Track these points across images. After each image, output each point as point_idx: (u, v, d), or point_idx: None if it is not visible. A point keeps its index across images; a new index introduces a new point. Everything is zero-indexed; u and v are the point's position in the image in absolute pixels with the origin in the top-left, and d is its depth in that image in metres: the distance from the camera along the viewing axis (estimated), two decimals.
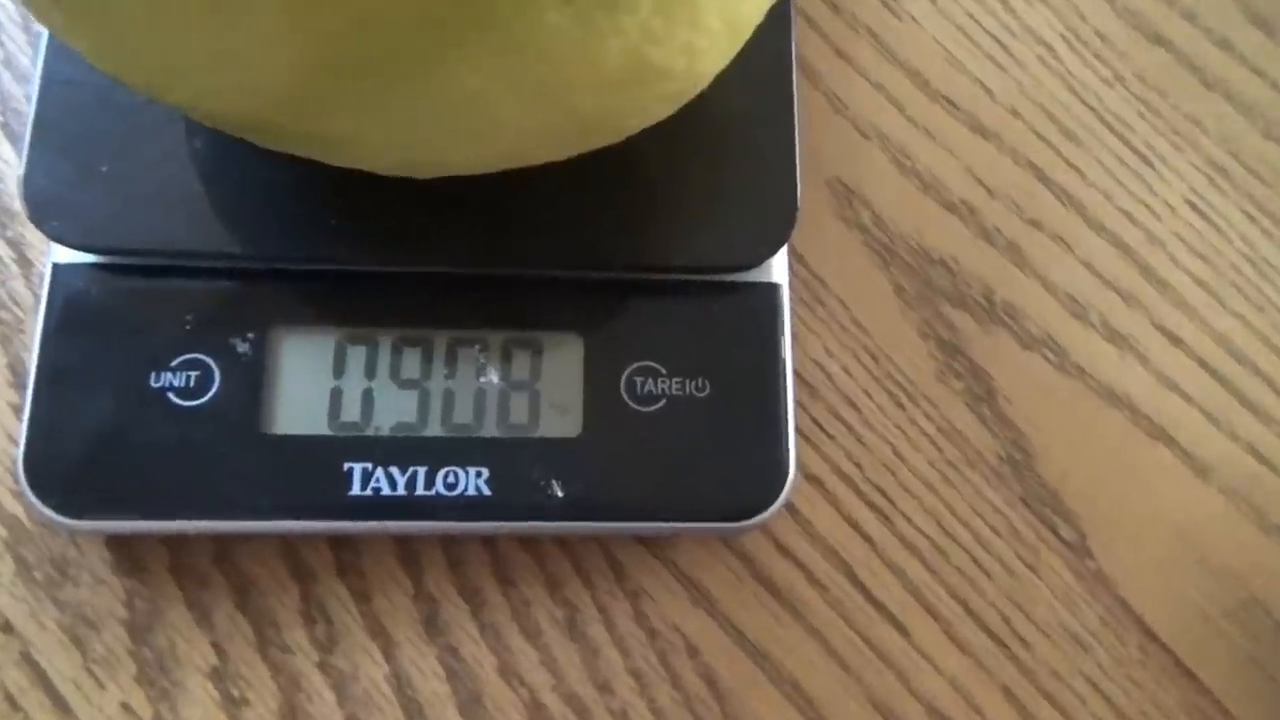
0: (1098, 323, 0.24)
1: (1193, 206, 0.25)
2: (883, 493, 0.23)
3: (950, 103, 0.26)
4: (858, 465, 0.23)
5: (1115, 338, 0.24)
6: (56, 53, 0.20)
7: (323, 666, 0.21)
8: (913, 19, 0.26)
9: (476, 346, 0.21)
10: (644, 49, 0.14)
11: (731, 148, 0.22)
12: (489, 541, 0.22)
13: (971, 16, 0.26)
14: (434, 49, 0.13)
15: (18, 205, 0.23)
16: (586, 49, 0.14)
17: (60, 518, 0.20)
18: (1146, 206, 0.25)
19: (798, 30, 0.25)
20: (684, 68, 0.15)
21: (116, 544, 0.21)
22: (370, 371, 0.21)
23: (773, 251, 0.21)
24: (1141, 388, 0.24)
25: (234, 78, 0.14)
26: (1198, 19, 0.27)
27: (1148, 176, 0.26)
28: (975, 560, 0.23)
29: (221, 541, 0.21)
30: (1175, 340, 0.24)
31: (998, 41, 0.26)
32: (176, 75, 0.14)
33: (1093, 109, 0.26)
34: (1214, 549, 0.23)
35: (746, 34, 0.16)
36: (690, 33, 0.14)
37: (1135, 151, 0.26)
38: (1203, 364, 0.24)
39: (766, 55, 0.22)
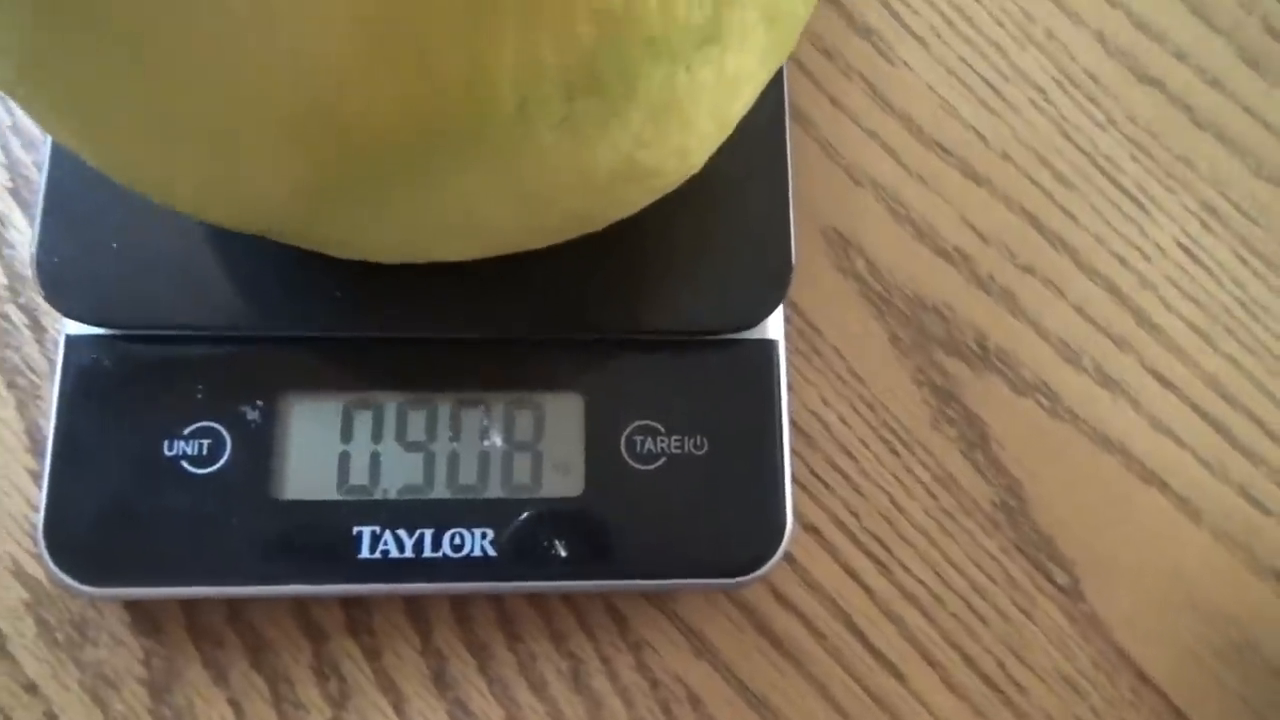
0: (1090, 367, 0.25)
1: (1184, 249, 0.26)
2: (880, 542, 0.23)
3: (943, 149, 0.26)
4: (855, 515, 0.23)
5: (1107, 382, 0.25)
6: None
7: None
8: (905, 64, 0.27)
9: (480, 409, 0.22)
10: (635, 155, 0.14)
11: (725, 208, 0.22)
12: (495, 597, 0.22)
13: (964, 60, 0.27)
14: (430, 170, 0.13)
15: (29, 272, 0.23)
16: (578, 160, 0.14)
17: (80, 585, 0.20)
18: (1138, 250, 0.26)
19: (789, 78, 0.25)
20: (674, 167, 0.16)
21: (134, 605, 0.22)
22: (377, 435, 0.21)
23: (768, 312, 0.22)
24: (1134, 432, 0.24)
25: (231, 197, 0.14)
26: (1188, 58, 0.27)
27: (1139, 219, 0.26)
28: (971, 607, 0.23)
29: (235, 602, 0.22)
30: (1167, 384, 0.25)
31: (990, 86, 0.27)
32: (176, 192, 0.15)
33: (1085, 152, 0.26)
34: (1206, 591, 0.24)
35: (734, 125, 0.17)
36: (681, 135, 0.15)
37: (1127, 194, 0.26)
38: (1195, 407, 0.25)
39: (760, 113, 0.22)
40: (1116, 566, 0.24)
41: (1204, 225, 0.26)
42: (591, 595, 0.23)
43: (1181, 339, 0.25)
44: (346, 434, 0.21)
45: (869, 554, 0.23)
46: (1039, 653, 0.23)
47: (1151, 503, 0.24)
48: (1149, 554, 0.24)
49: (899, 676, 0.23)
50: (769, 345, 0.22)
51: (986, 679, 0.23)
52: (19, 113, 0.24)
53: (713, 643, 0.23)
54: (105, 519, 0.20)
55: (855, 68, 0.27)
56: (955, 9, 0.27)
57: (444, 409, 0.22)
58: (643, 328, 0.22)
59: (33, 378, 0.23)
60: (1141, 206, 0.26)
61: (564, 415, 0.22)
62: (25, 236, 0.23)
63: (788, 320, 0.24)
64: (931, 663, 0.23)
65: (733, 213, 0.22)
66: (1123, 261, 0.26)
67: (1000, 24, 0.27)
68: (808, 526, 0.23)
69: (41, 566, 0.22)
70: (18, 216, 0.24)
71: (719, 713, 0.22)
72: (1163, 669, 0.23)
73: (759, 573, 0.21)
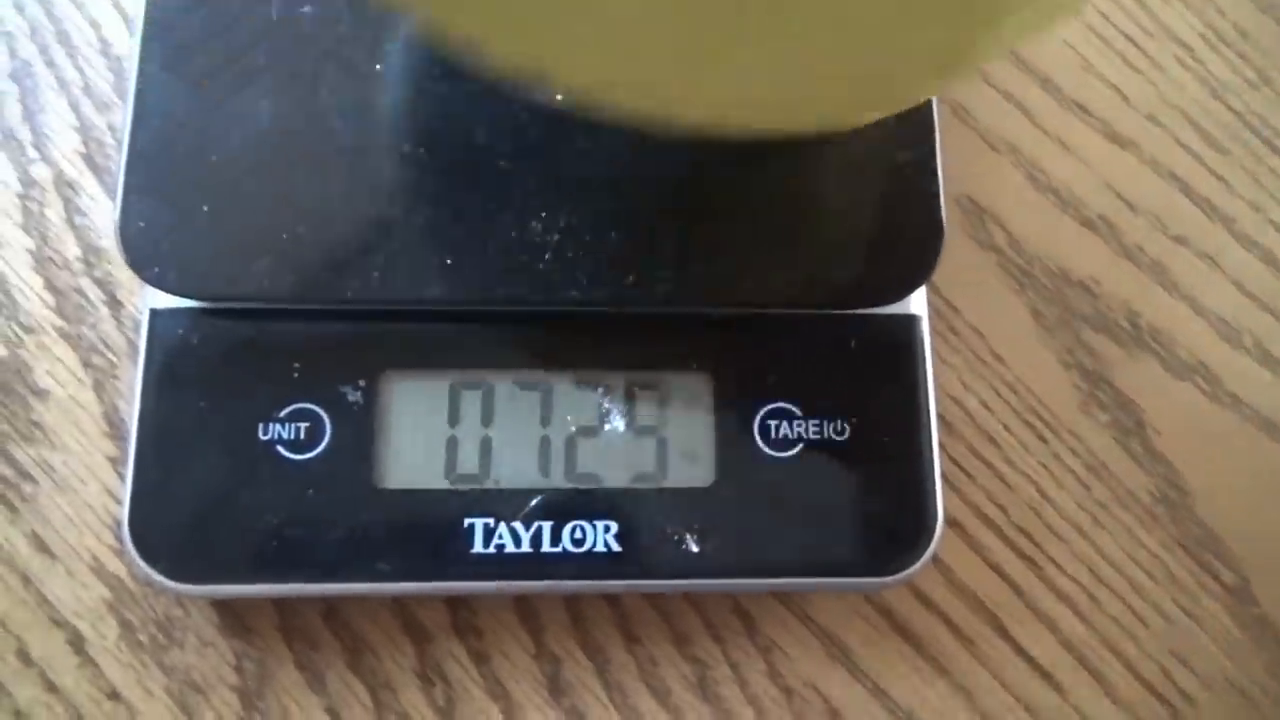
0: (1251, 346, 0.23)
1: None
2: (1029, 536, 0.21)
3: (1084, 110, 0.24)
4: (1001, 507, 0.21)
5: (1271, 362, 0.23)
6: (148, 88, 0.19)
7: None
8: None
9: (599, 389, 0.20)
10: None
11: (869, 173, 0.20)
12: (612, 596, 0.21)
13: (1104, 15, 0.25)
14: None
15: (104, 242, 0.22)
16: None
17: (167, 582, 0.18)
18: None
19: None
20: (983, 51, 0.14)
21: (223, 604, 0.20)
22: (487, 418, 0.20)
23: (916, 285, 0.20)
24: None
25: (600, 49, 0.13)
26: None
27: None
28: (1131, 608, 0.21)
29: (332, 599, 0.20)
30: None
31: (1132, 42, 0.24)
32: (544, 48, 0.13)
33: (1237, 113, 0.24)
34: None
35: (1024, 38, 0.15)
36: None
37: None
38: None
39: None
40: None
41: None
42: (716, 594, 0.21)
43: None
44: (454, 417, 0.20)
45: (1017, 550, 0.21)
46: (1206, 659, 0.21)
47: None
48: None
49: (1054, 685, 0.21)
50: (912, 321, 0.20)
51: (1150, 687, 0.21)
52: (91, 72, 0.22)
53: (849, 646, 0.21)
54: (194, 510, 0.19)
55: None
56: None
57: (560, 390, 0.20)
58: (777, 301, 0.20)
59: (110, 356, 0.21)
60: None
61: (691, 396, 0.20)
62: (100, 204, 0.22)
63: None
64: (1089, 669, 0.21)
65: (878, 177, 0.20)
66: None
67: None
68: (950, 520, 0.21)
69: (124, 562, 0.20)
70: (91, 183, 0.22)
71: None
72: None
73: (906, 573, 0.19)
